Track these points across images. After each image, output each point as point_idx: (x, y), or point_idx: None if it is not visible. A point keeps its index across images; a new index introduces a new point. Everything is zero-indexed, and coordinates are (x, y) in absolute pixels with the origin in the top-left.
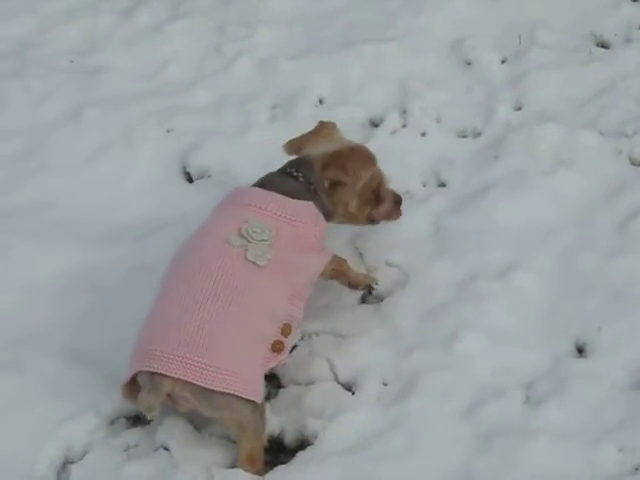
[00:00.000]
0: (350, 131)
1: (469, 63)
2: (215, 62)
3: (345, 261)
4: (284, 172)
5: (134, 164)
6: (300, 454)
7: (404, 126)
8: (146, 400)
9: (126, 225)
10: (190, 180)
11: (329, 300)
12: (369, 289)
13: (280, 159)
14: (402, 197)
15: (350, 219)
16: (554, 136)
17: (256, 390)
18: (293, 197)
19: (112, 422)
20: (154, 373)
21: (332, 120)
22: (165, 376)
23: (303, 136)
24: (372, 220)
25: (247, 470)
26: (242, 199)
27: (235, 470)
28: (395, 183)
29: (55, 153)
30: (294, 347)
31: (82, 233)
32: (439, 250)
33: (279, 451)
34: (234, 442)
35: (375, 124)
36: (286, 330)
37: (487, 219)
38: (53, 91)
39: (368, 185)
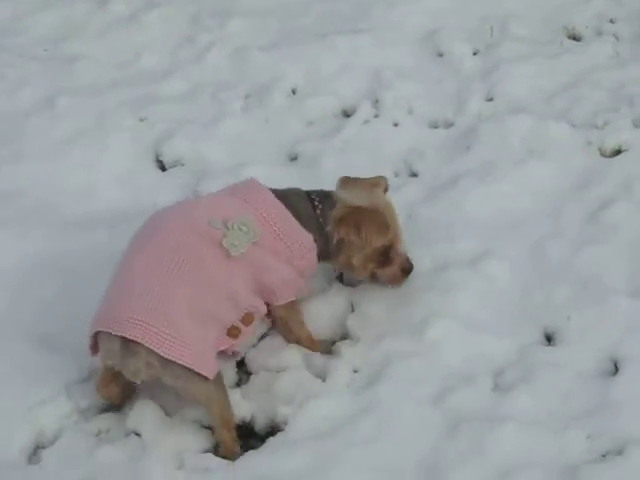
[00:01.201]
0: (322, 121)
1: (441, 55)
2: (189, 52)
3: (300, 316)
4: (308, 195)
5: (107, 152)
6: (270, 440)
7: (376, 116)
8: (133, 365)
9: (99, 213)
10: (163, 169)
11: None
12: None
13: (251, 149)
14: (413, 266)
15: (350, 270)
16: (525, 127)
17: (207, 365)
18: (299, 221)
19: (83, 407)
20: (127, 340)
21: (384, 176)
22: (139, 343)
23: (357, 178)
24: (374, 278)
25: (225, 436)
26: (250, 195)
27: (206, 455)
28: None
29: (29, 141)
30: (264, 335)
31: (55, 220)
32: (410, 239)
33: (250, 437)
34: (206, 427)
35: (347, 114)
36: (247, 319)
37: (458, 209)
38: (27, 79)
39: (378, 249)
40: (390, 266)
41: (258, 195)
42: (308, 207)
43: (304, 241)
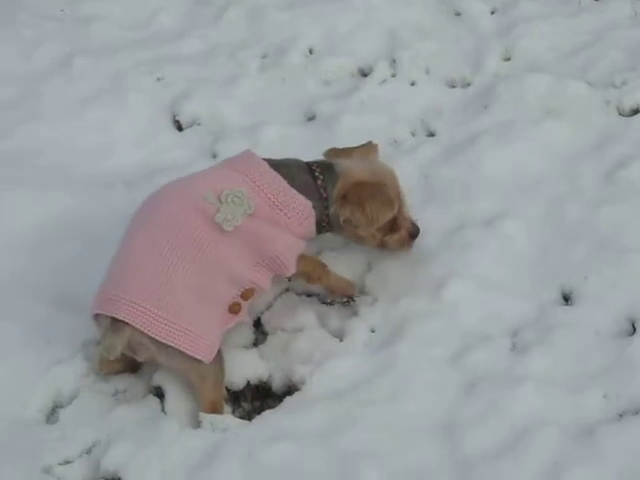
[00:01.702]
0: (339, 81)
1: (459, 13)
2: (205, 11)
3: (323, 266)
4: (308, 166)
5: (124, 112)
6: (287, 399)
7: (393, 76)
8: (109, 342)
9: (116, 173)
10: (180, 128)
11: (316, 247)
12: (349, 299)
13: (268, 109)
14: (419, 229)
15: (357, 240)
16: (542, 86)
17: (205, 348)
18: (297, 189)
19: None
20: (116, 319)
21: (375, 141)
22: (126, 323)
23: (345, 148)
24: (383, 245)
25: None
26: (245, 167)
27: (223, 416)
28: (384, 132)
29: (45, 101)
30: (279, 295)
31: (72, 180)
32: (427, 199)
33: (267, 396)
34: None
35: (364, 74)
36: (246, 294)
37: (475, 168)
38: (44, 40)
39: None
40: (397, 232)
41: (252, 166)
42: (308, 177)
43: (302, 208)
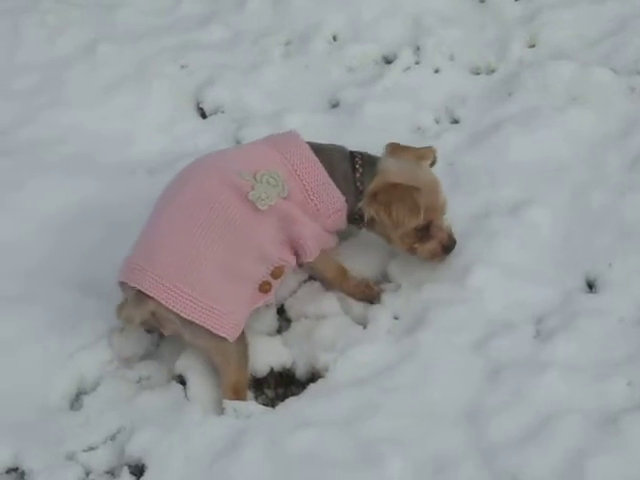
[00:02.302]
0: (363, 68)
1: (483, 1)
2: None
3: (344, 272)
4: (352, 154)
5: (148, 99)
6: (311, 386)
7: (417, 63)
8: (129, 312)
9: (140, 159)
10: (204, 115)
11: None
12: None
13: (292, 96)
14: (455, 243)
15: (387, 241)
16: (567, 73)
17: (230, 326)
18: (334, 179)
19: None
20: (140, 291)
21: (435, 148)
22: (150, 297)
23: (405, 146)
24: (412, 252)
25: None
26: (286, 148)
27: (248, 402)
28: (408, 120)
29: (69, 88)
30: (303, 282)
31: (95, 167)
32: (452, 186)
33: (290, 383)
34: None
35: (388, 61)
36: (277, 273)
37: (500, 155)
38: (68, 26)
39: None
40: (429, 242)
41: (294, 148)
42: (347, 167)
43: (333, 201)
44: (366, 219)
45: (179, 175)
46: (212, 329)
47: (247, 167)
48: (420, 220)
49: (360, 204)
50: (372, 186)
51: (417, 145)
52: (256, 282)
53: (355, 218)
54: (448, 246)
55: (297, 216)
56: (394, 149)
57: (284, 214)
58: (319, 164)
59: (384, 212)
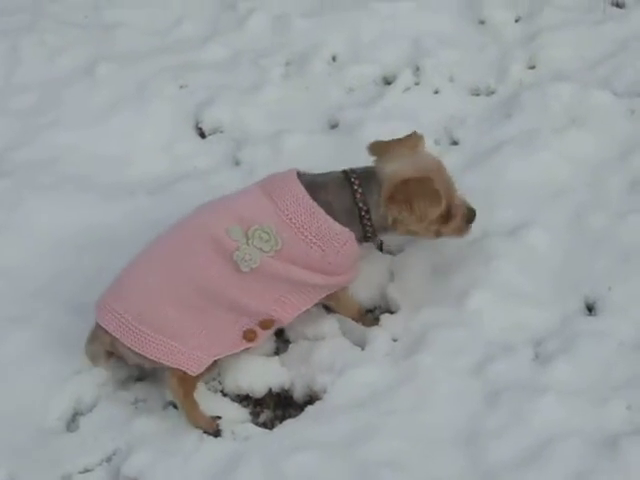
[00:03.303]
0: (363, 88)
1: (483, 22)
2: (229, 18)
3: (363, 312)
4: (347, 180)
5: (147, 119)
6: (309, 408)
7: (417, 84)
8: (89, 349)
9: (139, 180)
10: (203, 135)
11: None
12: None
13: (291, 116)
14: (475, 212)
15: (412, 234)
16: (567, 95)
17: (189, 360)
18: (335, 216)
19: (120, 376)
20: (99, 325)
21: (420, 132)
22: (106, 331)
23: (390, 141)
24: (439, 235)
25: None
26: (280, 193)
27: (245, 425)
28: None
29: (68, 108)
30: None
31: (95, 187)
32: None
33: (288, 405)
34: (244, 399)
35: (388, 82)
36: (266, 324)
37: (499, 177)
38: (67, 46)
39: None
40: (453, 220)
41: (287, 192)
42: (346, 197)
43: (338, 237)
44: (390, 221)
45: (178, 221)
46: (162, 361)
47: (241, 221)
48: (443, 207)
49: (380, 211)
50: (385, 190)
51: None
52: (239, 329)
53: (368, 236)
54: (470, 217)
55: (293, 276)
56: (379, 148)
57: (276, 274)
58: (316, 208)
59: (407, 210)
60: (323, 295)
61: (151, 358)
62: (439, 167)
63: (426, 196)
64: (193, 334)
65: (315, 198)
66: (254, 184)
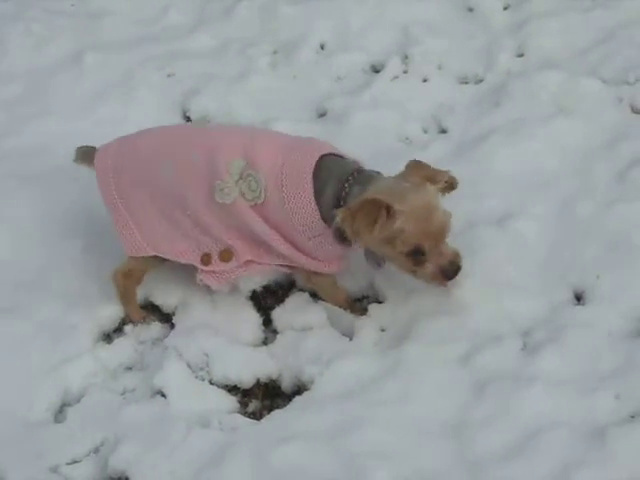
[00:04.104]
0: (351, 77)
1: (471, 9)
2: (216, 7)
3: (350, 301)
4: (347, 177)
5: (134, 108)
6: (297, 399)
7: (405, 72)
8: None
9: None
10: None
11: None
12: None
13: (279, 105)
14: (456, 271)
15: (390, 261)
16: (555, 83)
17: (129, 243)
18: (318, 205)
19: (109, 366)
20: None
21: (448, 172)
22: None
23: (423, 167)
24: (416, 276)
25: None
26: (294, 162)
27: (232, 415)
28: (396, 129)
29: (55, 97)
30: (289, 294)
31: (81, 177)
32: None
33: (276, 395)
34: (232, 389)
35: (376, 70)
36: (224, 255)
37: (487, 166)
38: (54, 35)
39: (393, 244)
40: (426, 266)
41: (300, 164)
42: (335, 191)
43: (312, 226)
44: (334, 225)
45: (216, 125)
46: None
47: (246, 159)
48: (374, 235)
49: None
50: (355, 199)
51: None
52: (199, 248)
53: (344, 237)
54: (447, 271)
55: (254, 222)
56: (411, 166)
57: (242, 219)
58: (309, 189)
59: (348, 221)
60: (284, 262)
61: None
62: (424, 209)
63: (368, 218)
64: (153, 226)
65: (316, 180)
66: (292, 137)
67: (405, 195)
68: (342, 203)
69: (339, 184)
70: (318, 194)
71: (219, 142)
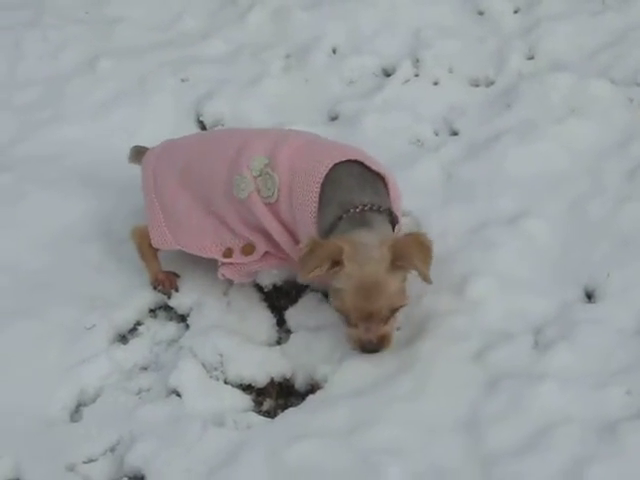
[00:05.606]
0: (363, 80)
1: (482, 13)
2: (229, 12)
3: None
4: (346, 209)
5: (149, 113)
6: (310, 397)
7: (417, 75)
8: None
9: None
10: (204, 128)
11: None
12: None
13: (291, 109)
14: (376, 349)
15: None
16: (566, 85)
17: (157, 234)
18: (320, 221)
19: (124, 367)
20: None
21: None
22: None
23: (414, 246)
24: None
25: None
26: (310, 169)
27: (247, 414)
28: (407, 132)
29: (70, 103)
30: (302, 294)
31: (97, 182)
32: (450, 197)
33: (290, 394)
34: (246, 388)
35: (388, 73)
36: (246, 249)
37: (498, 167)
38: (69, 41)
39: (332, 290)
40: (349, 329)
41: (316, 170)
42: (335, 217)
43: (306, 229)
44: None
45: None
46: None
47: (274, 157)
48: (307, 277)
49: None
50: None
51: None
52: (222, 244)
53: None
54: (364, 347)
55: (265, 219)
56: (410, 240)
57: (255, 214)
58: (313, 202)
59: (303, 251)
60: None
61: (146, 211)
62: (365, 286)
63: (312, 260)
64: (181, 222)
65: (323, 194)
66: (323, 142)
67: (365, 262)
68: (331, 232)
69: (339, 211)
70: (322, 207)
71: (252, 139)
